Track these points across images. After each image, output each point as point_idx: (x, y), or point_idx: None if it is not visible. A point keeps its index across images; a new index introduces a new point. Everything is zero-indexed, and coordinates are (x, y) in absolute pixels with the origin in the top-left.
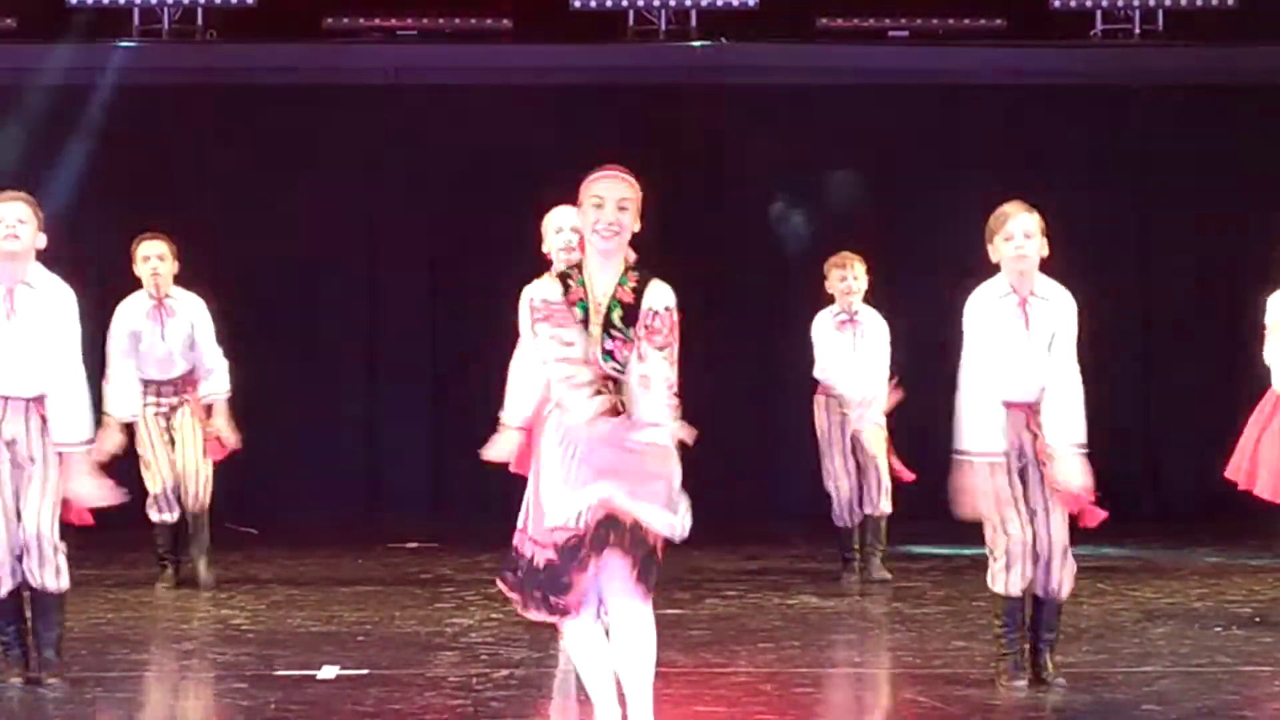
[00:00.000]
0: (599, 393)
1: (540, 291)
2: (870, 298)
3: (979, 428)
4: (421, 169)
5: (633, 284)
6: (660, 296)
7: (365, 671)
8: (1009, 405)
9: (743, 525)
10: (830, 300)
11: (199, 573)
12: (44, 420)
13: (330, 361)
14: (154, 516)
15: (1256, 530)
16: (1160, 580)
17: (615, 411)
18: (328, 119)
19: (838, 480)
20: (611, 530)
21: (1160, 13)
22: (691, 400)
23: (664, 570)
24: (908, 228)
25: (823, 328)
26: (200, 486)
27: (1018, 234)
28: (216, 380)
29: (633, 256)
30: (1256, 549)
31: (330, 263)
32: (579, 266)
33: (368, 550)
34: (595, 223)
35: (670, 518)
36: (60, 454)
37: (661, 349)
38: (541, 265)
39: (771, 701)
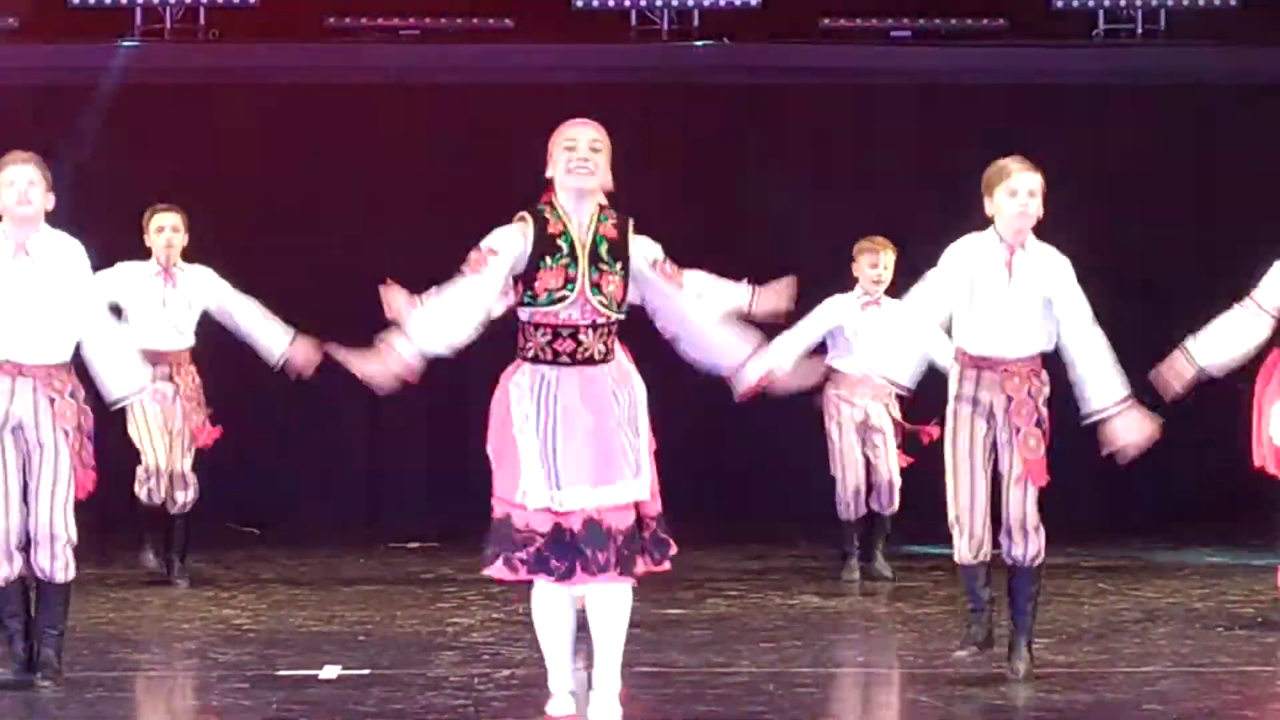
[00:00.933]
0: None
1: (497, 238)
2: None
3: (905, 361)
4: (423, 168)
5: (613, 221)
6: (654, 247)
7: (367, 671)
8: (984, 360)
9: (744, 525)
10: (851, 285)
11: (173, 571)
12: (52, 402)
13: (332, 361)
14: (142, 497)
15: (1258, 530)
16: (1162, 580)
17: (592, 360)
18: (329, 119)
19: (845, 470)
20: (588, 546)
21: (1162, 13)
22: (693, 398)
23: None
24: (909, 227)
25: (844, 312)
26: (188, 491)
27: (1022, 191)
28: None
29: (604, 200)
30: (1258, 549)
31: (332, 262)
32: (550, 204)
33: (369, 550)
34: (569, 162)
35: (633, 485)
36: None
37: (680, 274)
38: None
39: (773, 702)
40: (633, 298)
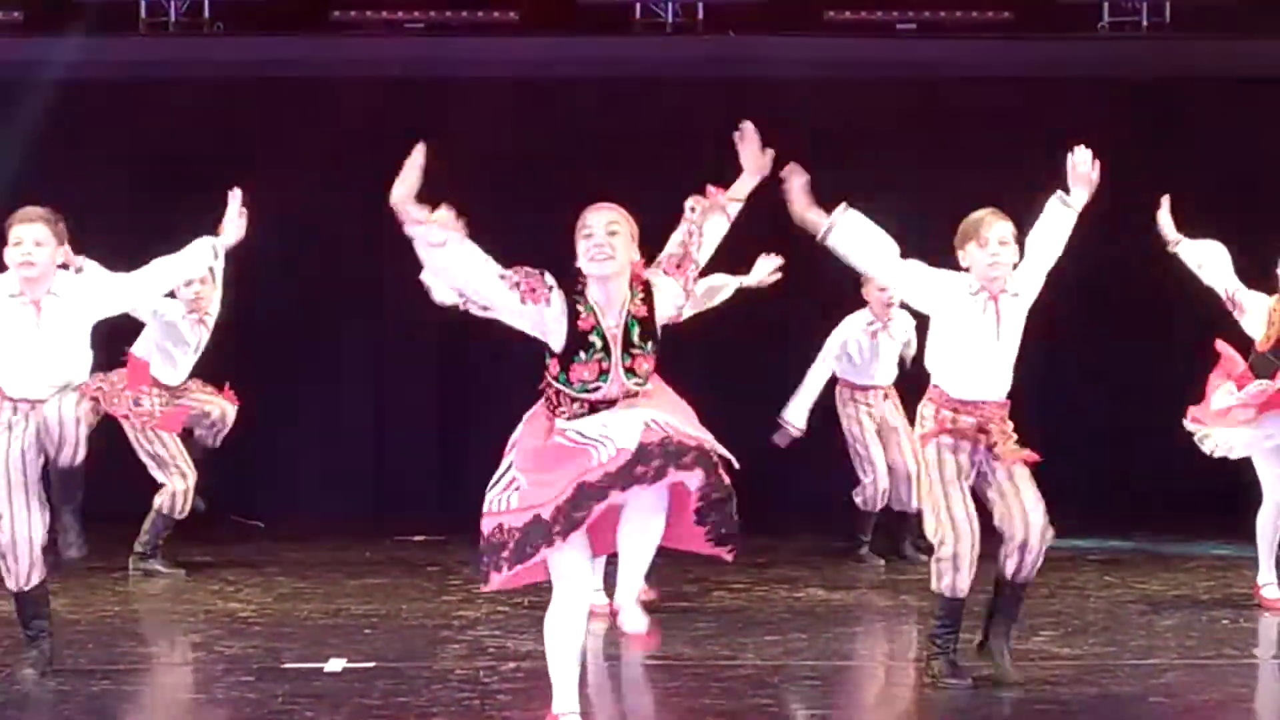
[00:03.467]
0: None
1: (555, 293)
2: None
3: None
4: (428, 162)
5: (642, 294)
6: (670, 282)
7: (372, 664)
8: (963, 404)
9: (750, 518)
10: (863, 304)
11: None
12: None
13: (337, 353)
14: (164, 509)
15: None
16: (1167, 573)
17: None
18: (334, 112)
19: (874, 468)
20: (666, 456)
21: (1167, 5)
22: (698, 392)
23: (666, 556)
24: (914, 220)
25: (853, 333)
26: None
27: (993, 241)
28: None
29: (638, 269)
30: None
31: (337, 256)
32: (583, 294)
33: (375, 543)
34: (587, 250)
35: (700, 430)
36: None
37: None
38: (551, 260)
39: (778, 695)
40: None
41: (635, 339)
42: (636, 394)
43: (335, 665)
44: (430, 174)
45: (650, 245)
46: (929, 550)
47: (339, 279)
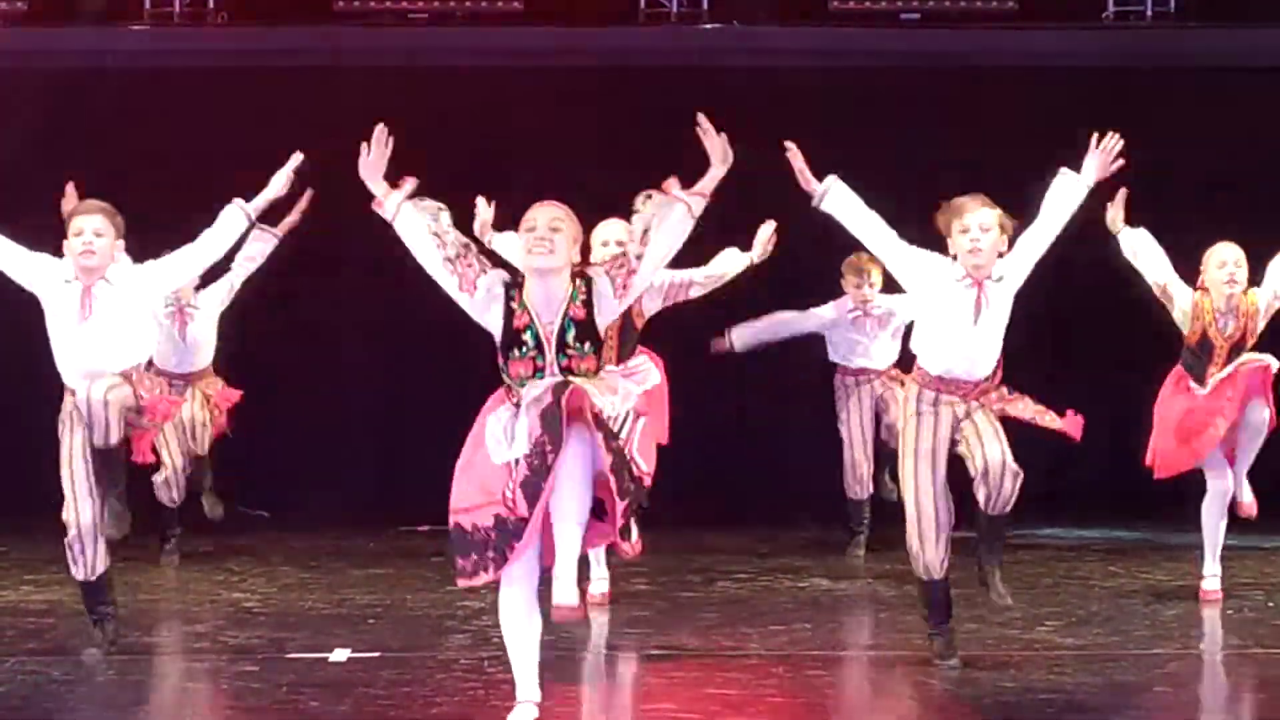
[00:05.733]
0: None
1: (491, 288)
2: (888, 291)
3: None
4: (432, 152)
5: (582, 296)
6: (604, 280)
7: (377, 654)
8: (948, 383)
9: (754, 508)
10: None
11: (207, 508)
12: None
13: (342, 344)
14: (162, 497)
15: (1267, 513)
16: (1171, 562)
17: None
18: (338, 102)
19: (853, 448)
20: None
21: None
22: (701, 384)
23: (670, 546)
24: (919, 210)
25: (838, 317)
26: (202, 434)
27: (974, 227)
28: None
29: (576, 268)
30: (1268, 531)
31: (341, 246)
32: (519, 287)
33: (379, 533)
34: (528, 243)
35: (601, 395)
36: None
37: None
38: None
39: (783, 684)
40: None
41: (570, 340)
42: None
43: (340, 655)
44: (432, 164)
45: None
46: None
47: (343, 269)
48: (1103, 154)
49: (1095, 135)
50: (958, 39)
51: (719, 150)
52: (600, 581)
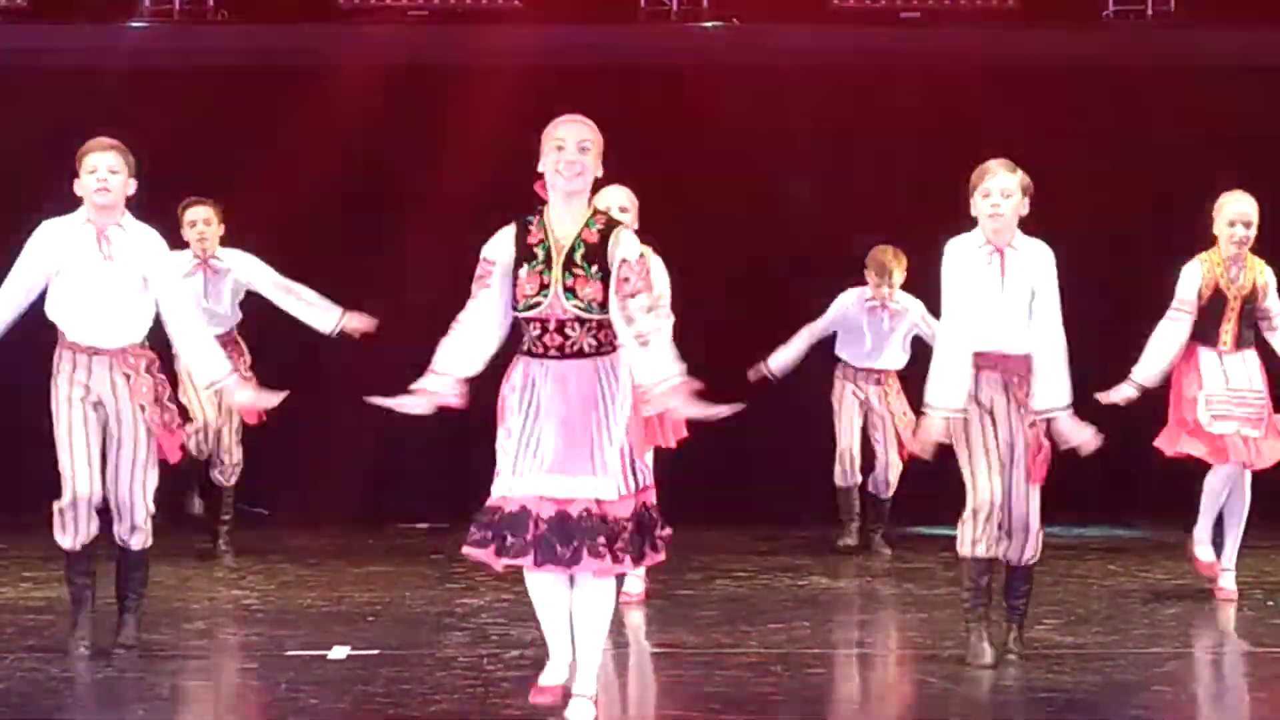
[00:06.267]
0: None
1: (490, 247)
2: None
3: (943, 382)
4: (434, 149)
5: (599, 225)
6: (629, 246)
7: (376, 652)
8: (984, 356)
9: (753, 506)
10: (863, 281)
11: (219, 542)
12: (127, 378)
13: (341, 341)
14: (193, 446)
15: (1266, 512)
16: (1170, 561)
17: (581, 353)
18: (339, 100)
19: (840, 436)
20: (557, 541)
21: None
22: (703, 380)
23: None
24: (920, 209)
25: (850, 306)
26: (232, 465)
27: (995, 192)
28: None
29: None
30: (1267, 530)
31: (340, 244)
32: (540, 211)
33: (378, 531)
34: (557, 163)
35: (593, 483)
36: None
37: (635, 295)
38: None
39: (782, 682)
40: None
41: (578, 258)
42: (592, 325)
43: (339, 653)
44: (437, 160)
45: (650, 235)
46: (892, 543)
47: (344, 266)
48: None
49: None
50: (958, 39)
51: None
52: (635, 580)
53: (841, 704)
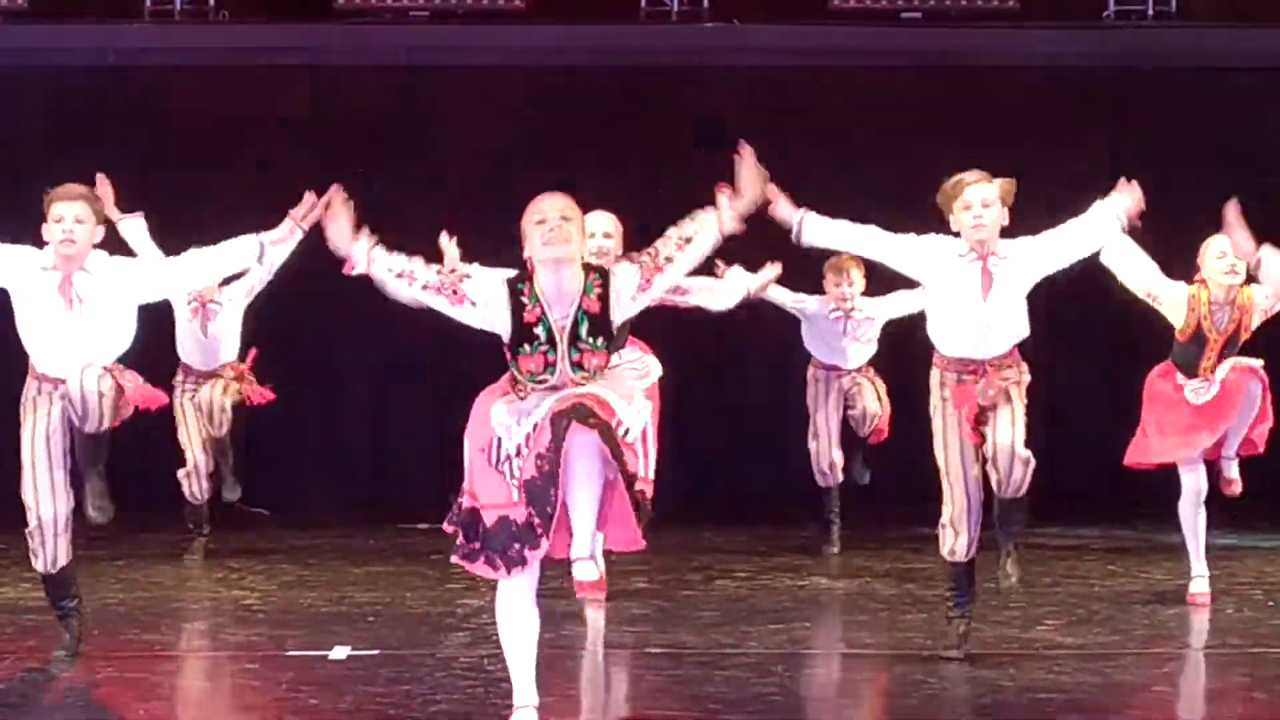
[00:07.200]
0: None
1: (481, 293)
2: (871, 290)
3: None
4: (433, 149)
5: (597, 290)
6: (626, 276)
7: (376, 652)
8: (964, 363)
9: (753, 506)
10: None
11: (225, 489)
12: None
13: (340, 342)
14: (186, 492)
15: (1267, 513)
16: (1171, 562)
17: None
18: (339, 100)
19: (819, 439)
20: (573, 414)
21: None
22: (703, 380)
23: (670, 544)
24: (920, 209)
25: (818, 313)
26: (220, 418)
27: (976, 203)
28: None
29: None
30: (1268, 531)
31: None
32: (529, 281)
33: (379, 531)
34: (542, 236)
35: (625, 407)
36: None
37: (664, 269)
38: None
39: (782, 682)
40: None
41: (583, 334)
42: (594, 375)
43: (339, 653)
44: (432, 162)
45: (654, 234)
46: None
47: (341, 267)
48: (1133, 191)
49: (1125, 179)
50: (958, 39)
51: (754, 186)
52: (589, 567)
53: (841, 704)
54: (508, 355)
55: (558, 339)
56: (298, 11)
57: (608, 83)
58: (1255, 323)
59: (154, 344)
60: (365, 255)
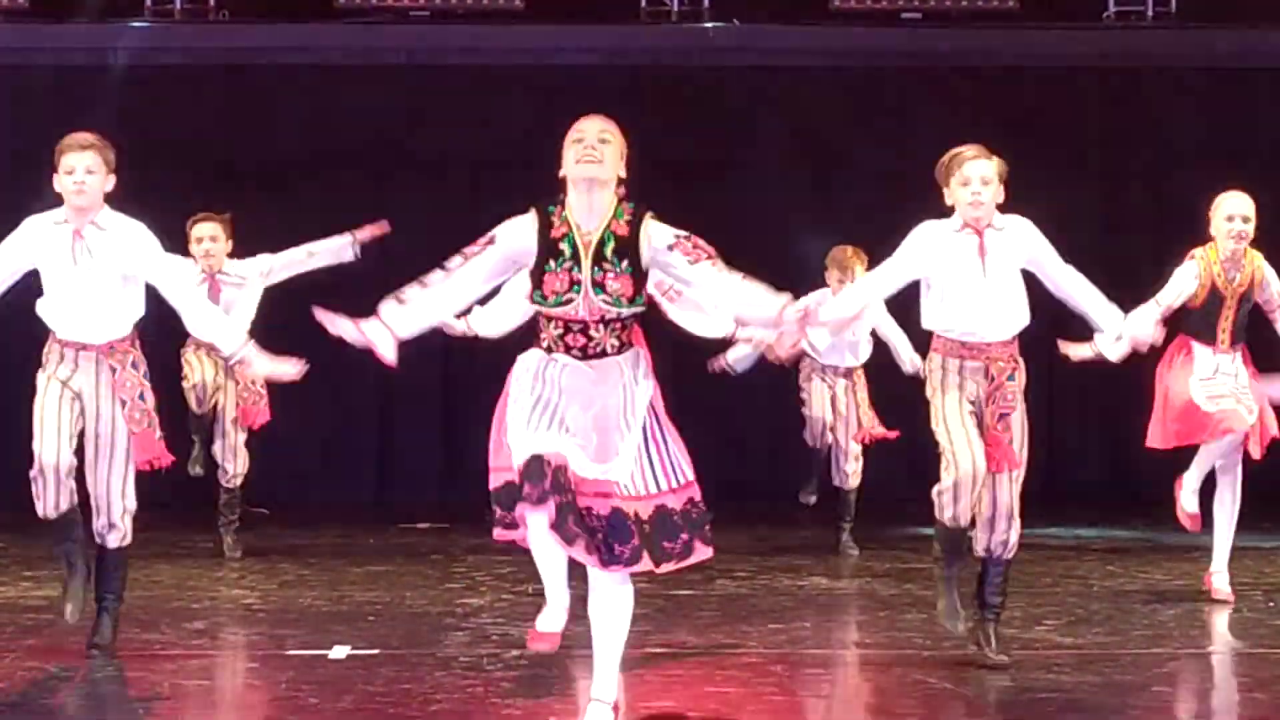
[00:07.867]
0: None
1: (506, 231)
2: None
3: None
4: (433, 149)
5: (627, 216)
6: (662, 233)
7: (376, 651)
8: (968, 347)
9: (753, 506)
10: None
11: (226, 545)
12: (113, 372)
13: (342, 341)
14: (193, 406)
15: (1268, 513)
16: (1170, 562)
17: (603, 353)
18: (339, 100)
19: (811, 409)
20: (571, 517)
21: None
22: (702, 381)
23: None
24: (920, 209)
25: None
26: (237, 462)
27: (975, 179)
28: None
29: (622, 191)
30: (1268, 531)
31: None
32: (560, 203)
33: (379, 530)
34: (577, 154)
35: (612, 466)
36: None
37: (700, 261)
38: None
39: (782, 682)
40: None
41: (608, 253)
42: (616, 324)
43: (339, 652)
44: (431, 162)
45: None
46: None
47: (344, 265)
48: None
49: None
50: (958, 39)
51: (780, 347)
52: None
53: (841, 704)
54: (530, 286)
55: (582, 255)
56: (298, 11)
57: (607, 83)
58: (1270, 295)
59: (169, 313)
60: (384, 332)
